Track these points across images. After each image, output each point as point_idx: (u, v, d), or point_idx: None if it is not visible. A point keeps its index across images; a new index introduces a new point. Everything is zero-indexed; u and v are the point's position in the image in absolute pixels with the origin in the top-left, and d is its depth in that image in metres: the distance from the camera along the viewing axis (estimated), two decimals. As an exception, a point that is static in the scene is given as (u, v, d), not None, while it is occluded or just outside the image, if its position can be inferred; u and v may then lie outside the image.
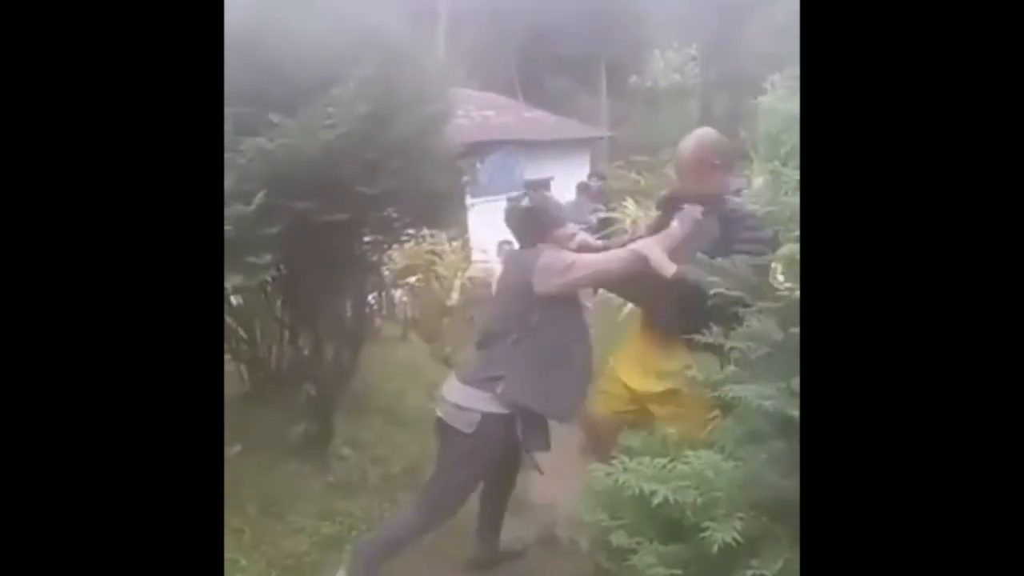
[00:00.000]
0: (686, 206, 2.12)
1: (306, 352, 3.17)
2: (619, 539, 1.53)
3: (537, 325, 2.05)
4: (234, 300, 3.12)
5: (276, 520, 2.63)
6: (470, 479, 2.17)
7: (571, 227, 2.28)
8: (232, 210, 2.05)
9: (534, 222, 2.22)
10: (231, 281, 2.14)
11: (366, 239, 3.12)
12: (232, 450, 2.73)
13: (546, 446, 2.18)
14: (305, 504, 2.75)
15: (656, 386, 2.18)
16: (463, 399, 2.08)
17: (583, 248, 2.23)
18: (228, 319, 3.01)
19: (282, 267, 2.69)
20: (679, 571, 1.40)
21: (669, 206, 2.27)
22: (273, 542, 2.51)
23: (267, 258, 2.26)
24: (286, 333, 3.23)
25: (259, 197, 2.14)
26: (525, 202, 2.27)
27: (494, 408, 2.03)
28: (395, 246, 3.52)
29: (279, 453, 2.93)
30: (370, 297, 4.25)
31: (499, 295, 2.30)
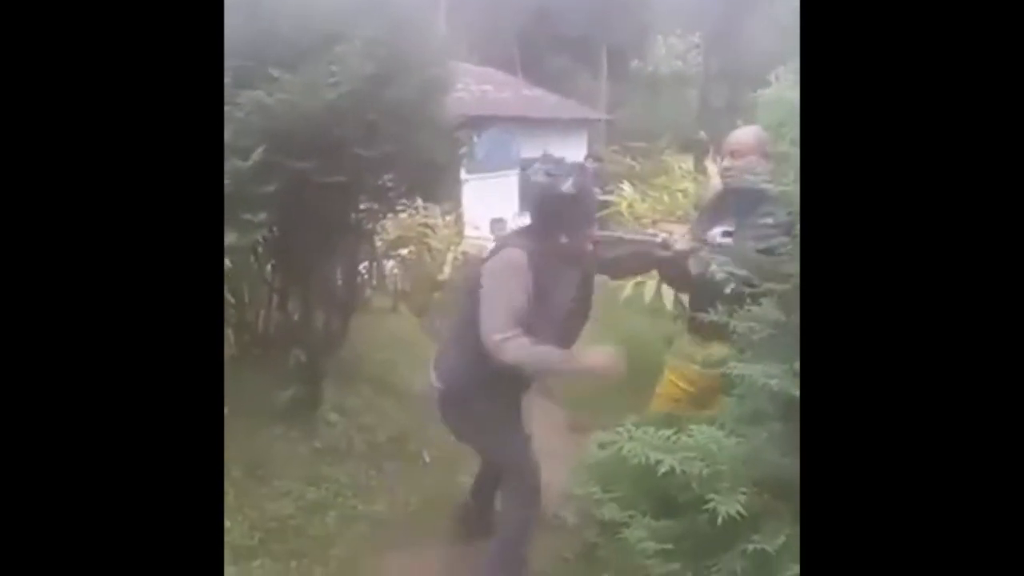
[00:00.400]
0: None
1: (295, 317, 3.14)
2: (611, 512, 1.53)
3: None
4: (225, 261, 3.08)
5: (261, 483, 2.62)
6: None
7: (597, 232, 2.09)
8: (229, 164, 2.01)
9: (569, 210, 1.95)
10: (225, 239, 2.11)
11: (362, 206, 3.08)
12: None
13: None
14: (291, 468, 2.74)
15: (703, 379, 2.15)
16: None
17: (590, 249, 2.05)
18: (218, 280, 2.95)
19: (275, 228, 2.65)
20: (670, 545, 1.40)
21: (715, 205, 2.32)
22: (257, 505, 2.50)
23: (262, 216, 2.22)
24: (275, 297, 3.19)
25: (257, 153, 2.10)
26: (567, 186, 1.95)
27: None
28: (389, 215, 3.47)
29: (266, 417, 2.91)
30: (361, 267, 4.22)
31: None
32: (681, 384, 2.25)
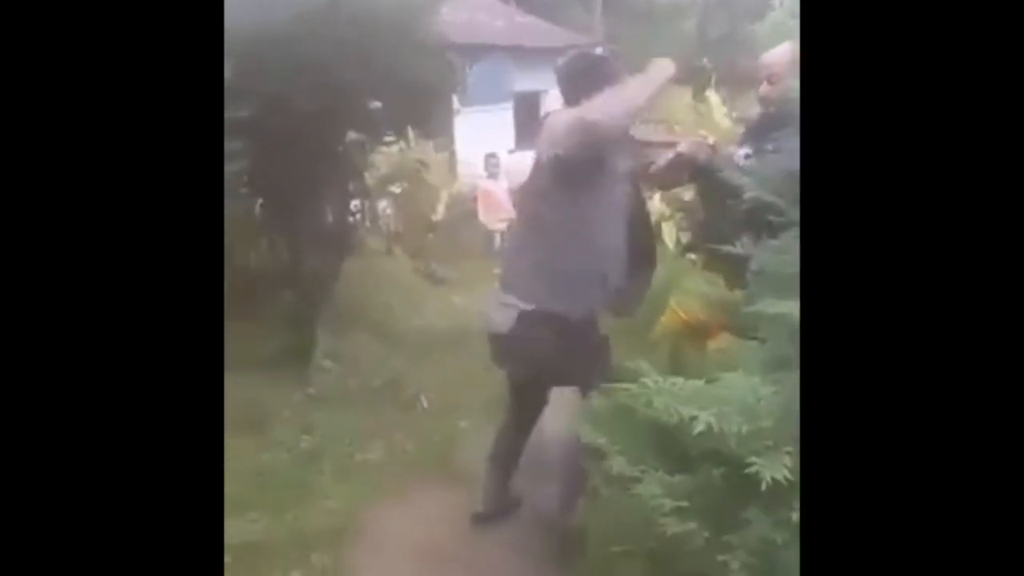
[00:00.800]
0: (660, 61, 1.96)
1: (285, 259, 2.97)
2: (619, 467, 1.40)
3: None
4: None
5: (254, 433, 2.51)
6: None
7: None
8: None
9: (599, 76, 1.86)
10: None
11: (348, 136, 2.86)
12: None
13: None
14: (284, 417, 2.63)
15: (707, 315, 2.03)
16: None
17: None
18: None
19: (255, 160, 2.44)
20: (685, 503, 1.27)
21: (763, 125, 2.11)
22: (250, 456, 2.40)
23: (237, 145, 2.01)
24: (263, 238, 3.01)
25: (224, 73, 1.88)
26: (599, 50, 1.97)
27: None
28: (380, 149, 3.26)
29: (256, 364, 2.78)
30: (353, 205, 4.01)
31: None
32: (683, 315, 2.11)
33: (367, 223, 4.79)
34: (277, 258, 3.03)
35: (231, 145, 2.03)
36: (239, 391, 2.62)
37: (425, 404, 3.01)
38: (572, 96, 1.90)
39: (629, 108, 1.82)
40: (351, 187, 3.33)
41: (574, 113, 1.79)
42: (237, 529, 1.97)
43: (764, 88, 2.07)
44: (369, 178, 4.22)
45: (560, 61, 1.98)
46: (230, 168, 2.10)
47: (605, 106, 1.75)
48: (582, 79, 1.89)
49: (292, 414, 2.67)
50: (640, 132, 2.07)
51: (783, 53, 2.05)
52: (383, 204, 4.97)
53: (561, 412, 2.10)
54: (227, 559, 1.96)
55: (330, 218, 3.02)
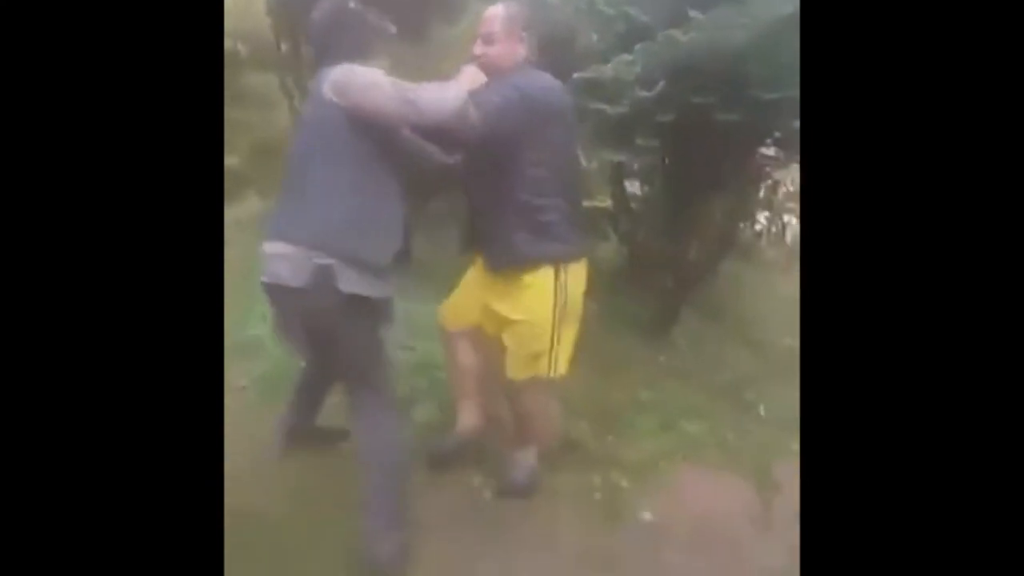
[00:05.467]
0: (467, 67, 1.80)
1: (673, 243, 3.38)
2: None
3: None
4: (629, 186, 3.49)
5: (608, 374, 3.04)
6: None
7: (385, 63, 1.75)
8: (633, 93, 2.31)
9: (345, 26, 1.74)
10: (617, 158, 2.45)
11: (761, 150, 3.10)
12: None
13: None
14: (638, 375, 3.08)
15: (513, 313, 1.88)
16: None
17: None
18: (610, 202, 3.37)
19: (667, 159, 2.90)
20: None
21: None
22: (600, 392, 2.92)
23: (655, 143, 2.48)
24: (658, 220, 3.48)
25: (660, 85, 2.34)
26: (352, 3, 1.77)
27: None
28: (792, 166, 3.39)
29: (621, 326, 3.30)
30: (762, 216, 4.19)
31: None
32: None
33: (772, 232, 4.89)
34: (665, 240, 3.44)
35: (649, 142, 2.52)
36: (610, 342, 3.17)
37: (763, 413, 3.10)
38: (322, 50, 1.74)
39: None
40: (755, 198, 3.55)
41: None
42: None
43: (479, 48, 1.82)
44: (780, 193, 4.33)
45: (315, 13, 1.77)
46: (643, 159, 2.58)
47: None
48: (334, 33, 1.72)
49: (648, 374, 3.11)
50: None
51: (497, 11, 1.81)
52: (790, 219, 4.98)
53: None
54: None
55: (720, 216, 3.32)
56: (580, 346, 2.05)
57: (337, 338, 1.72)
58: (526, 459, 2.18)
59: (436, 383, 2.62)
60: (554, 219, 1.80)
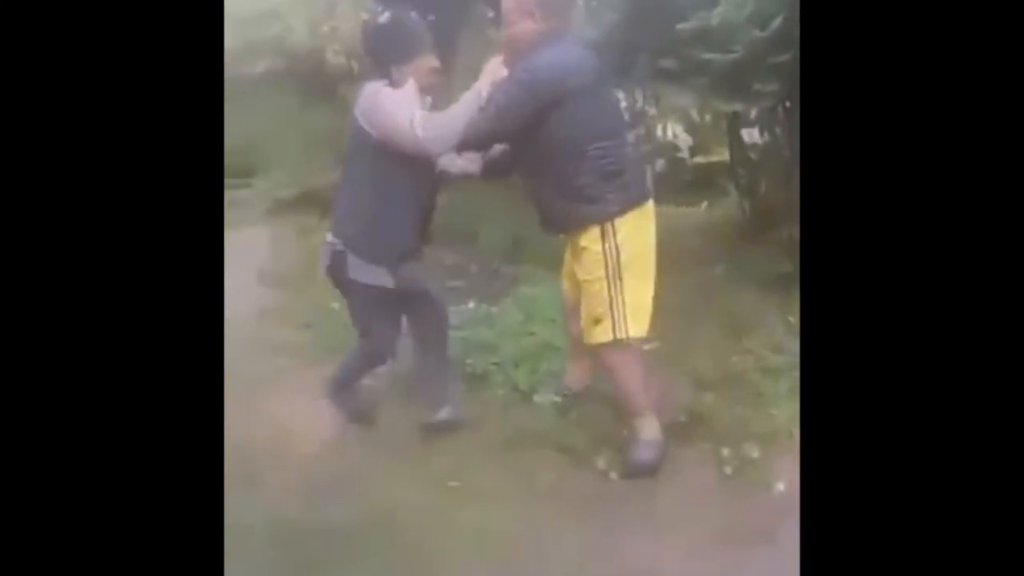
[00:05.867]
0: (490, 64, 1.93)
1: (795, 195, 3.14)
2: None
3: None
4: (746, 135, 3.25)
5: (735, 336, 2.87)
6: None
7: (433, 59, 2.03)
8: (747, 34, 2.12)
9: (388, 43, 1.99)
10: (732, 108, 2.27)
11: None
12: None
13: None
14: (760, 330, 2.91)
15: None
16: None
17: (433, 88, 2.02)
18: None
19: (787, 103, 2.65)
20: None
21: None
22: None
23: (773, 87, 2.27)
24: (783, 171, 3.24)
25: (776, 22, 2.13)
26: (383, 18, 2.00)
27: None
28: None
29: (751, 279, 3.11)
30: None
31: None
32: None
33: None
34: (789, 192, 3.20)
35: (766, 86, 2.30)
36: (735, 304, 3.00)
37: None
38: (382, 60, 1.99)
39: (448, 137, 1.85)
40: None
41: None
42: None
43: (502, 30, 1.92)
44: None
45: (370, 22, 2.04)
46: (760, 104, 2.37)
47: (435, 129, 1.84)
48: (392, 44, 1.98)
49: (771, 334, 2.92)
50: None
51: None
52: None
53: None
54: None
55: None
56: (703, 308, 1.97)
57: (352, 312, 2.17)
58: (648, 434, 2.12)
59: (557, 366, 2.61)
60: (588, 181, 1.84)
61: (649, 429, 2.11)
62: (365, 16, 2.16)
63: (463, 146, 1.89)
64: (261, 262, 3.85)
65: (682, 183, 3.70)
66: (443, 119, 1.86)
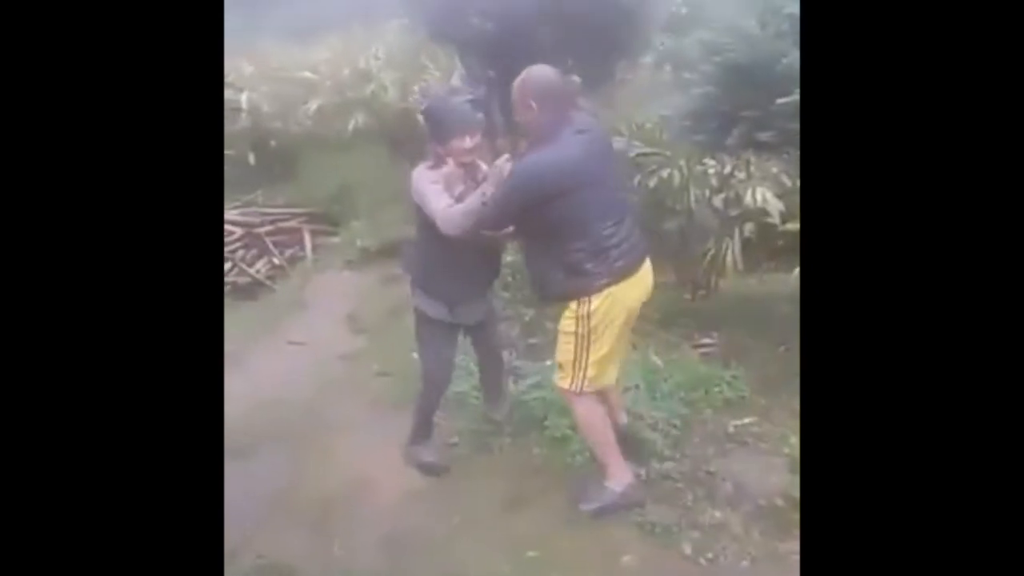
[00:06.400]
0: (497, 163, 2.12)
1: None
2: None
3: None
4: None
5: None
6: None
7: (467, 140, 2.22)
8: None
9: (432, 128, 2.26)
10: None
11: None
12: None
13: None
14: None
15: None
16: None
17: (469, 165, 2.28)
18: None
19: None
20: None
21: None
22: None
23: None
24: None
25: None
26: (424, 106, 2.31)
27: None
28: None
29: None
30: None
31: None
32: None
33: None
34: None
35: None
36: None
37: None
38: (437, 135, 2.24)
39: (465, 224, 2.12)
40: None
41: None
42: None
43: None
44: None
45: (425, 103, 2.36)
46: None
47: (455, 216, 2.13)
48: (444, 121, 2.23)
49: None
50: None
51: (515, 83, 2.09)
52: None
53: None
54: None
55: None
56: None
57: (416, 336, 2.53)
58: (612, 482, 2.24)
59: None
60: (585, 257, 2.05)
61: (615, 478, 2.23)
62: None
63: (475, 231, 2.14)
64: (346, 308, 3.98)
65: (772, 249, 3.61)
66: (456, 212, 2.13)
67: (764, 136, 2.28)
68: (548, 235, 2.06)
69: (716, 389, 2.73)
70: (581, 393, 2.14)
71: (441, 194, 2.18)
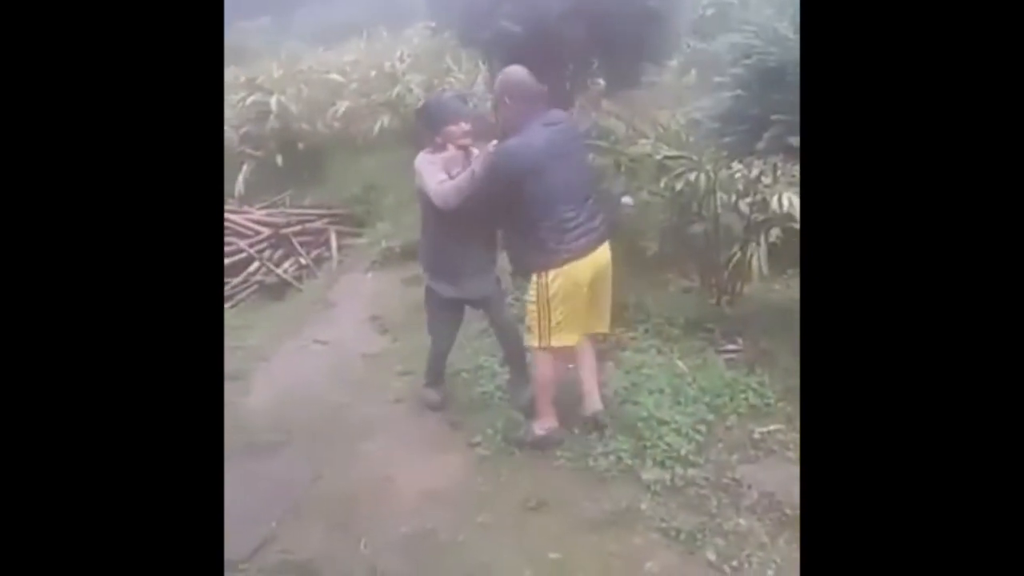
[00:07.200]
0: (487, 147, 2.43)
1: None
2: None
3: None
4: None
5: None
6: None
7: (462, 125, 2.58)
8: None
9: (426, 121, 2.63)
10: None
11: None
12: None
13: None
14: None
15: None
16: None
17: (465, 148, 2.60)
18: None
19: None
20: None
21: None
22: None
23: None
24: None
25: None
26: (420, 103, 2.77)
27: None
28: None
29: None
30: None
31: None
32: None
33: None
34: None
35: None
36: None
37: None
38: (434, 125, 2.61)
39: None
40: None
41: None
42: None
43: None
44: None
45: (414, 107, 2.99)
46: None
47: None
48: (426, 121, 2.66)
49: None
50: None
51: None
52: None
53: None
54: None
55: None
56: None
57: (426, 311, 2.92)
58: (540, 428, 2.57)
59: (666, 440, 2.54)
60: (551, 235, 2.37)
61: (544, 420, 2.58)
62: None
63: (463, 203, 2.46)
64: (371, 308, 4.02)
65: (798, 254, 3.57)
66: (448, 187, 2.47)
67: (794, 140, 2.25)
68: (520, 214, 2.39)
69: (741, 395, 2.70)
70: (543, 350, 2.49)
71: (436, 172, 2.51)
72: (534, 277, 2.43)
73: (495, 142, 2.41)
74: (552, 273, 2.38)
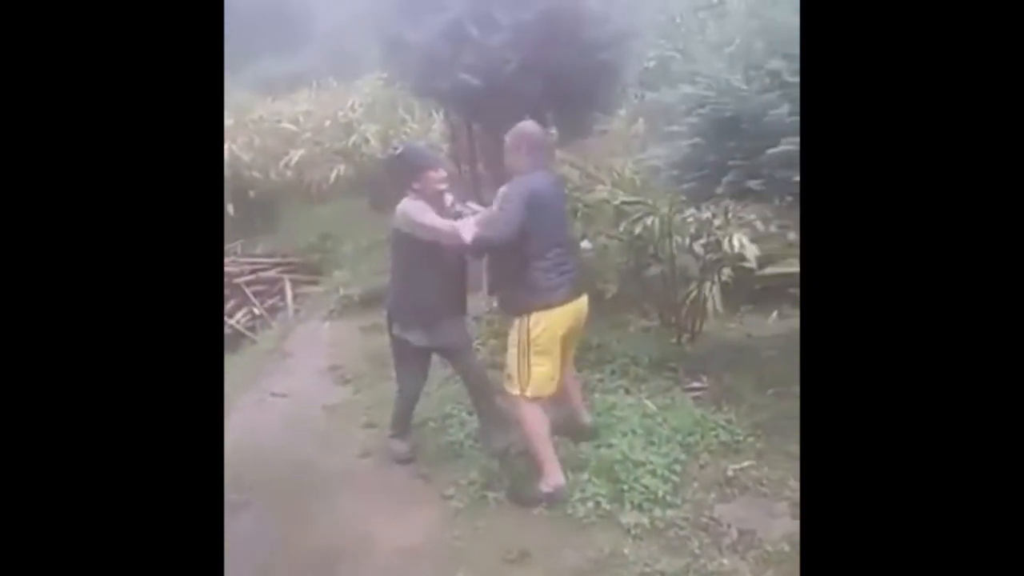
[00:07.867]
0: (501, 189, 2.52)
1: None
2: None
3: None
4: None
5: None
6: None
7: (440, 172, 2.66)
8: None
9: (405, 167, 2.64)
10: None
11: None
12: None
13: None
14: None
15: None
16: None
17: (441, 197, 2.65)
18: None
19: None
20: None
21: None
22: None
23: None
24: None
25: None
26: (398, 150, 2.73)
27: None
28: None
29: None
30: None
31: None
32: None
33: None
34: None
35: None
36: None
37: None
38: (413, 172, 2.63)
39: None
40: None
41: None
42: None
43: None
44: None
45: (399, 148, 2.81)
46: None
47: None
48: (415, 160, 2.68)
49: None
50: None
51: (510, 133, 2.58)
52: None
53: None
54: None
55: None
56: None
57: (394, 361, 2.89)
58: (548, 484, 2.49)
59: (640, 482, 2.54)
60: (537, 276, 2.45)
61: (551, 478, 2.50)
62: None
63: (488, 237, 2.45)
64: (329, 358, 3.91)
65: (749, 292, 3.69)
66: (471, 222, 2.49)
67: (753, 184, 2.37)
68: (513, 253, 2.44)
69: (712, 433, 2.74)
70: (526, 400, 2.47)
71: (435, 215, 2.55)
72: (516, 321, 2.47)
73: (505, 187, 2.53)
74: (534, 317, 2.44)
